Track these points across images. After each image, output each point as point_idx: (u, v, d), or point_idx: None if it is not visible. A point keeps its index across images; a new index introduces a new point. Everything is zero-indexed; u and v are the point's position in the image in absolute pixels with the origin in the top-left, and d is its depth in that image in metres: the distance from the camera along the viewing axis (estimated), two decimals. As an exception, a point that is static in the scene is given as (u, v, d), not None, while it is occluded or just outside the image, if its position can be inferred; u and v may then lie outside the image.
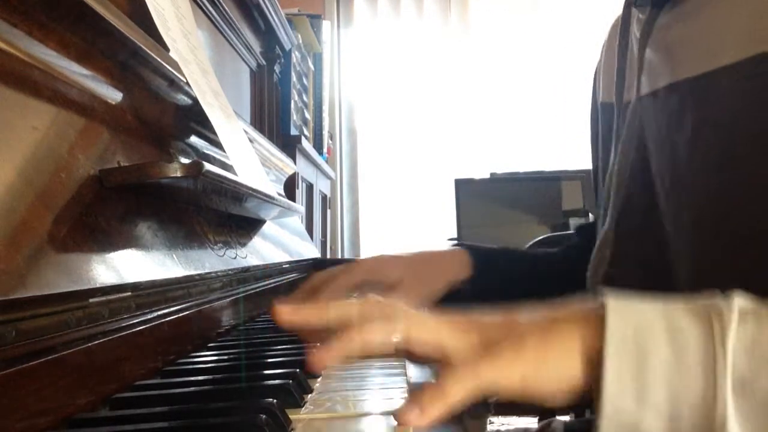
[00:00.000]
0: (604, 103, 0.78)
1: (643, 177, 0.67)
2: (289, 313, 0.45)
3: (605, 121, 0.78)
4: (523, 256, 0.87)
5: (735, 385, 0.36)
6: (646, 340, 0.38)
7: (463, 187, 2.25)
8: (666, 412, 0.37)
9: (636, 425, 0.37)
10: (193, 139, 0.81)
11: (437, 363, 0.43)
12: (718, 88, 0.56)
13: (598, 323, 0.39)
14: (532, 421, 1.44)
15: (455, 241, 0.80)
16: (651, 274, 0.62)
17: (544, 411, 1.27)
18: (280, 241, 1.15)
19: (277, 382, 0.49)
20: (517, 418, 1.76)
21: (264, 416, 0.38)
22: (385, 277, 0.76)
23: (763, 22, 0.53)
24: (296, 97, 1.87)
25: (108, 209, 0.51)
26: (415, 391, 0.40)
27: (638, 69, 0.67)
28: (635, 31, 0.70)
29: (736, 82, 0.54)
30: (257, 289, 0.91)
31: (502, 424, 1.86)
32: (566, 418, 0.99)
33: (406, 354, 0.44)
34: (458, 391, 0.39)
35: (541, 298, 0.45)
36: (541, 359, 0.40)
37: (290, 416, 0.42)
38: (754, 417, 0.36)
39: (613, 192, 0.70)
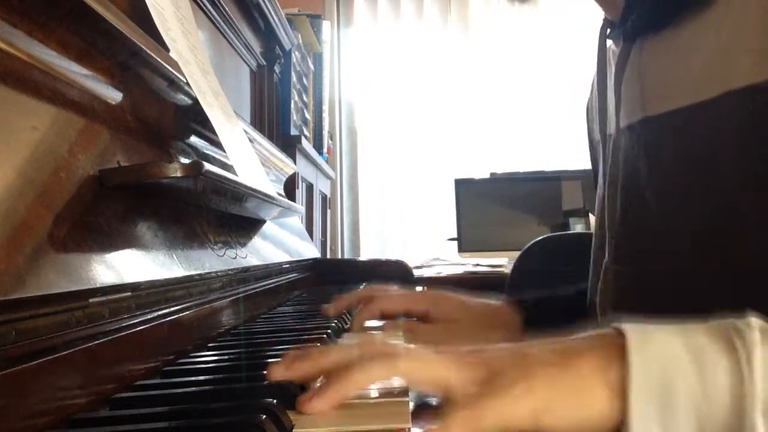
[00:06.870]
0: (597, 140, 0.77)
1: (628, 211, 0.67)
2: (282, 372, 0.45)
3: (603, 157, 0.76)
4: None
5: (764, 407, 0.35)
6: (671, 375, 0.36)
7: (463, 187, 2.25)
8: None
9: None
10: (193, 139, 0.81)
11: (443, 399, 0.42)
12: (689, 125, 0.56)
13: (617, 355, 0.38)
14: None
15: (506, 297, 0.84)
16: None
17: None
18: (280, 241, 1.15)
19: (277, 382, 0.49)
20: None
21: (264, 416, 0.38)
22: (445, 314, 0.76)
23: (727, 60, 0.52)
24: (296, 97, 1.87)
25: (108, 209, 0.51)
26: None
27: (616, 102, 0.66)
28: (612, 63, 0.68)
29: (707, 120, 0.54)
30: (257, 289, 0.91)
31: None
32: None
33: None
34: None
35: None
36: (555, 393, 0.38)
37: (290, 416, 0.42)
38: None
39: (606, 227, 0.69)
